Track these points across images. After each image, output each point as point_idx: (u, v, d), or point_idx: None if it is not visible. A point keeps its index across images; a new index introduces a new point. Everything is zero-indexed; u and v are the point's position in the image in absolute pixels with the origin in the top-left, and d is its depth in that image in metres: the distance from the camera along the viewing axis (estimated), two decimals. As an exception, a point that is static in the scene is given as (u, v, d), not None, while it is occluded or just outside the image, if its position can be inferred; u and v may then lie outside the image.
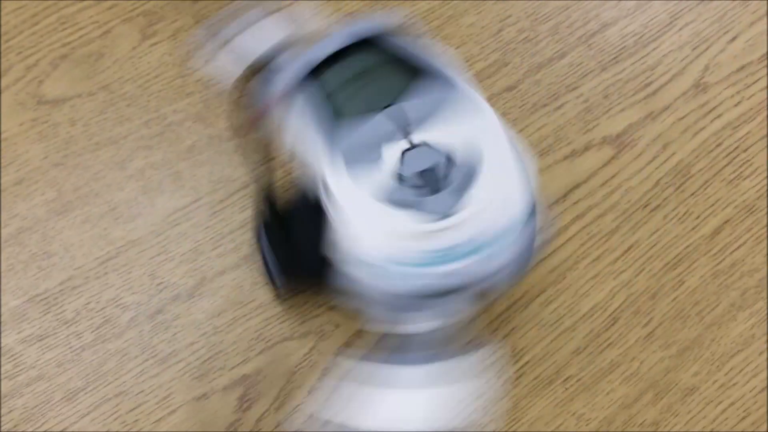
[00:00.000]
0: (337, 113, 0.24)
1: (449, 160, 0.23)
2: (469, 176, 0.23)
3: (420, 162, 0.23)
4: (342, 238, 0.24)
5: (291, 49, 0.27)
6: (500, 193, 0.23)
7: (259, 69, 0.27)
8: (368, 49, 0.25)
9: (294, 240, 0.27)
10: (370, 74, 0.25)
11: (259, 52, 0.28)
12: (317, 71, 0.24)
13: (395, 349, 0.25)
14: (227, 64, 0.28)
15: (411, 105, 0.23)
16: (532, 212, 0.25)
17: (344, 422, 0.24)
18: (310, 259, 0.26)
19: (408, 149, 0.23)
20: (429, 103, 0.23)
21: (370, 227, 0.23)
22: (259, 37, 0.28)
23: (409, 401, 0.24)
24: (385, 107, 0.23)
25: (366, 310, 0.27)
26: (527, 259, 0.25)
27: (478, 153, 0.23)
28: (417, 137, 0.23)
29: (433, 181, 0.22)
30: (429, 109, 0.23)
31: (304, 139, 0.25)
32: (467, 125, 0.23)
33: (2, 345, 0.28)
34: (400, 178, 0.22)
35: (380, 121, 0.23)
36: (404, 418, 0.24)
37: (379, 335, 0.27)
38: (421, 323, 0.25)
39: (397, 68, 0.25)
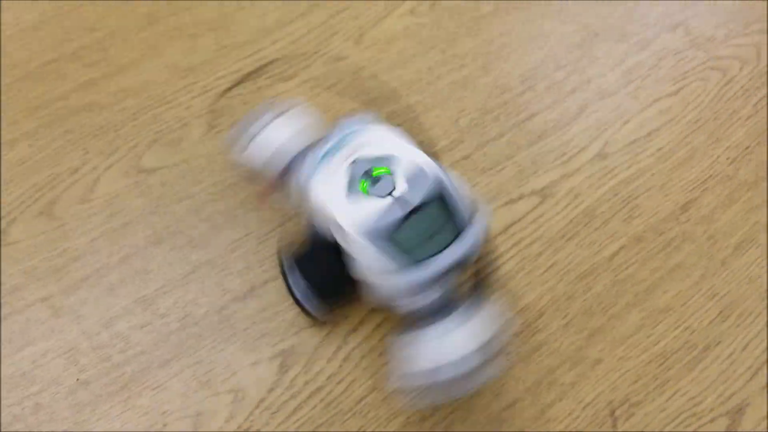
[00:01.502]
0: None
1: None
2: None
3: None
4: (365, 271, 0.35)
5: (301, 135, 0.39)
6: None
7: (275, 157, 0.39)
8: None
9: (318, 272, 0.40)
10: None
11: (273, 145, 0.39)
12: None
13: (414, 318, 0.37)
14: (252, 155, 0.40)
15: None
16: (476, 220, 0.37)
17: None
18: (336, 282, 0.39)
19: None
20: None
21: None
22: (273, 133, 0.39)
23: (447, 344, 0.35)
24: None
25: (387, 302, 0.39)
26: (477, 248, 0.37)
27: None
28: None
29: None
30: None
31: (314, 197, 0.36)
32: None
33: (117, 331, 0.41)
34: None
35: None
36: (444, 352, 0.34)
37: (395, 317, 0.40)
38: (426, 298, 0.36)
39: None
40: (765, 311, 0.46)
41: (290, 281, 0.40)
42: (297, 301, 0.40)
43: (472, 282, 0.40)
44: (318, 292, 0.40)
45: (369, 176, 0.35)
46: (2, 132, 0.46)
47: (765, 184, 0.51)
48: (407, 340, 0.36)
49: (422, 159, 0.35)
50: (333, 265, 0.37)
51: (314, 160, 0.36)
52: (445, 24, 0.55)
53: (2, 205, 0.44)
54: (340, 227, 0.34)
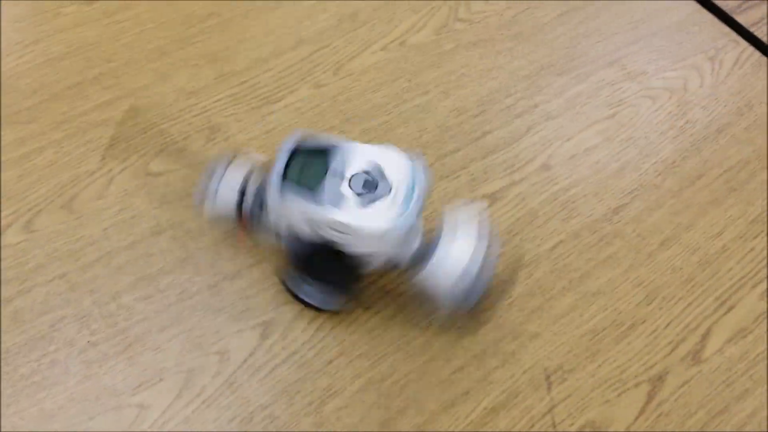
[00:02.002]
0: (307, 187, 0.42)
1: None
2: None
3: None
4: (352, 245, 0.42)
5: (253, 176, 0.45)
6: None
7: (238, 200, 0.45)
8: (298, 153, 0.42)
9: (325, 275, 0.46)
10: (308, 164, 0.42)
11: (234, 190, 0.45)
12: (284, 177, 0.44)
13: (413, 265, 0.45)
14: (219, 205, 0.46)
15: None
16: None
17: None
18: (344, 275, 0.46)
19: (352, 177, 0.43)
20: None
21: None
22: (230, 180, 0.45)
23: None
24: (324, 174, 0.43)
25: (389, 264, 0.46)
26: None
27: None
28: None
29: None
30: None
31: (287, 213, 0.42)
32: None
33: (123, 302, 0.49)
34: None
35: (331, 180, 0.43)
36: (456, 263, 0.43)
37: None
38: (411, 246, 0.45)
39: (317, 156, 0.42)
40: (685, 295, 0.53)
41: (301, 293, 0.47)
42: (318, 309, 0.48)
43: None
44: (333, 289, 0.47)
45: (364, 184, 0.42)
46: (33, 141, 0.55)
47: (688, 192, 0.59)
48: (422, 278, 0.44)
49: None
50: (332, 263, 0.44)
51: (275, 184, 0.41)
52: (412, 58, 0.64)
53: (31, 199, 0.52)
54: (357, 231, 0.41)
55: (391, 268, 0.47)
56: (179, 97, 0.59)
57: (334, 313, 0.49)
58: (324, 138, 0.43)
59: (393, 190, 0.41)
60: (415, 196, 0.41)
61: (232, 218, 0.46)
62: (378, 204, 0.41)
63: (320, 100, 0.60)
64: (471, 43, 0.66)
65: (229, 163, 0.47)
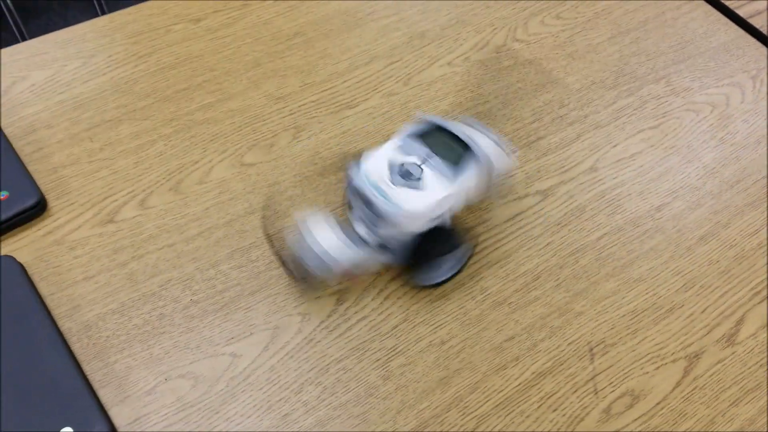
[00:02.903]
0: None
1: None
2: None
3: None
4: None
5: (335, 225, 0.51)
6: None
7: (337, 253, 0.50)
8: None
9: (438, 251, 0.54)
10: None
11: (328, 250, 0.49)
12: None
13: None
14: (317, 268, 0.50)
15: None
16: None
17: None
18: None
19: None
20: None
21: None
22: (320, 241, 0.50)
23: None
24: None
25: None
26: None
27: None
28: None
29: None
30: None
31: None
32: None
33: (220, 269, 0.57)
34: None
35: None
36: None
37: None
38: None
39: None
40: (722, 285, 0.58)
41: (438, 280, 0.55)
42: (453, 276, 0.56)
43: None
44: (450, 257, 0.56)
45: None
46: (146, 135, 0.64)
47: (726, 194, 0.64)
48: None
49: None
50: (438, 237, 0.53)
51: (381, 201, 0.48)
52: (474, 72, 0.71)
53: (144, 182, 0.61)
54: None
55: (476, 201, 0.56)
56: (269, 101, 0.67)
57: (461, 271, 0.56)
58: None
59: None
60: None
61: (335, 273, 0.51)
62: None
63: (391, 106, 0.68)
64: (527, 60, 0.73)
65: (308, 228, 0.51)
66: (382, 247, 0.52)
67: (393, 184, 0.49)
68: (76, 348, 0.52)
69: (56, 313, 0.53)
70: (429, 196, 0.49)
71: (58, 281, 0.55)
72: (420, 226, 0.51)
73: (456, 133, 0.51)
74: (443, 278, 0.55)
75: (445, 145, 0.51)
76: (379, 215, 0.49)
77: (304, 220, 0.52)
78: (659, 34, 0.77)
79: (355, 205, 0.51)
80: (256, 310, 0.55)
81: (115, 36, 0.73)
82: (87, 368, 0.51)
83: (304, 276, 0.52)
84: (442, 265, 0.55)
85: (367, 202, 0.49)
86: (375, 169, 0.49)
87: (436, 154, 0.50)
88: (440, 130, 0.51)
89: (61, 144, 0.63)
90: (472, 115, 0.68)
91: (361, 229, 0.52)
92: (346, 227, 0.52)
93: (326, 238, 0.50)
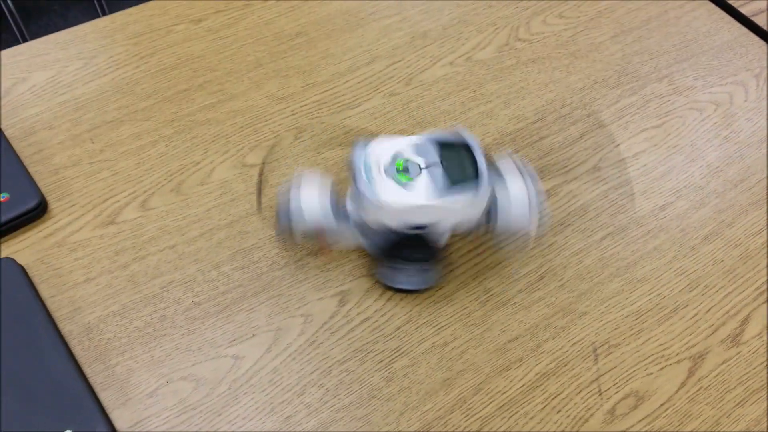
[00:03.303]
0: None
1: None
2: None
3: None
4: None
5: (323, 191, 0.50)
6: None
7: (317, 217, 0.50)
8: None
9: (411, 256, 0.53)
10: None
11: (309, 208, 0.50)
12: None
13: None
14: (297, 224, 0.50)
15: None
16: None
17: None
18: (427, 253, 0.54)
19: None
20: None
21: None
22: (306, 199, 0.50)
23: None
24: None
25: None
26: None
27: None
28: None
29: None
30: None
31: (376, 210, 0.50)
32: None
33: (222, 271, 0.56)
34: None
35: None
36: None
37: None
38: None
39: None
40: (726, 285, 0.58)
41: (399, 285, 0.55)
42: (416, 291, 0.55)
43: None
44: (423, 266, 0.55)
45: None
46: (148, 135, 0.64)
47: (731, 194, 0.63)
48: (498, 226, 0.52)
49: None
50: (418, 244, 0.52)
51: (364, 181, 0.47)
52: (477, 72, 0.71)
53: (146, 183, 0.61)
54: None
55: (465, 233, 0.53)
56: (271, 102, 0.67)
57: (428, 291, 0.56)
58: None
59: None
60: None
61: (312, 235, 0.51)
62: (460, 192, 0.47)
63: (393, 106, 0.68)
64: (530, 60, 0.73)
65: (299, 182, 0.51)
66: (360, 228, 0.52)
67: (385, 174, 0.48)
68: (77, 350, 0.52)
69: (57, 315, 0.53)
70: (408, 197, 0.47)
71: (59, 283, 0.55)
72: (391, 221, 0.49)
73: (476, 157, 0.49)
74: (401, 286, 0.55)
75: (459, 163, 0.48)
76: (358, 194, 0.48)
77: (301, 174, 0.52)
78: (662, 33, 0.77)
79: (349, 179, 0.50)
80: (258, 312, 0.54)
81: (116, 37, 0.72)
82: (88, 371, 0.51)
83: (282, 229, 0.52)
84: (408, 273, 0.54)
85: (354, 179, 0.48)
86: (378, 153, 0.49)
87: (444, 166, 0.48)
88: (465, 148, 0.49)
89: (62, 145, 0.63)
90: (473, 115, 0.67)
91: (349, 205, 0.52)
92: (338, 197, 0.51)
93: (308, 196, 0.50)
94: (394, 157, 0.48)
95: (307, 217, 0.50)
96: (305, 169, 0.53)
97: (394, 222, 0.49)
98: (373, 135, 0.55)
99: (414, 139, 0.49)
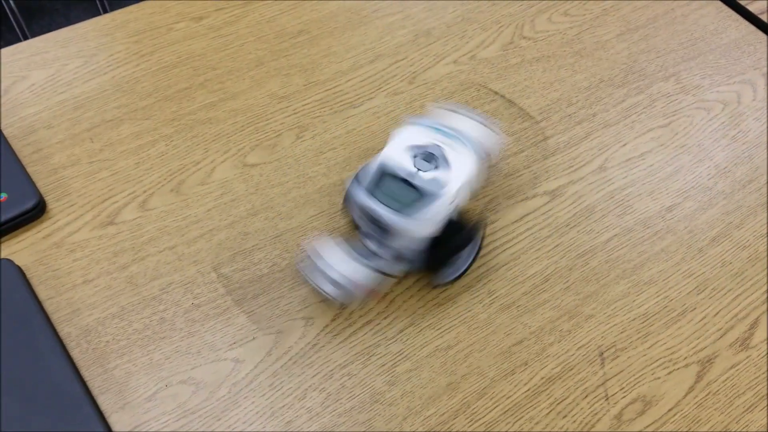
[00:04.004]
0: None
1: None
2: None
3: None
4: None
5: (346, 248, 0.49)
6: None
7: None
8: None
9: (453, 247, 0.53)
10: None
11: (344, 274, 0.49)
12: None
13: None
14: (337, 291, 0.49)
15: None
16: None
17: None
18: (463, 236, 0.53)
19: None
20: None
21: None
22: (336, 267, 0.49)
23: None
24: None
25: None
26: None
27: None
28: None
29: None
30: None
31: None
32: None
33: (222, 272, 0.56)
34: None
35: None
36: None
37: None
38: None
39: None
40: (735, 287, 0.57)
41: (457, 275, 0.54)
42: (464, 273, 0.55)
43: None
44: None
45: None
46: (148, 135, 0.63)
47: (739, 195, 0.62)
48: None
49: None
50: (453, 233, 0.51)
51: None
52: (481, 71, 0.70)
53: (145, 183, 0.60)
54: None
55: None
56: (272, 101, 0.66)
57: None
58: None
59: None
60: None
61: (357, 294, 0.50)
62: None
63: (396, 105, 0.67)
64: (535, 58, 0.72)
65: (319, 252, 0.50)
66: (398, 257, 0.51)
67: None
68: (75, 353, 0.51)
69: (55, 317, 0.52)
70: (438, 204, 0.48)
71: (57, 285, 0.54)
72: (435, 229, 0.49)
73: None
74: (465, 268, 0.54)
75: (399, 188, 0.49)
76: (388, 229, 0.48)
77: (314, 247, 0.51)
78: (669, 31, 0.76)
79: (361, 222, 0.50)
80: (258, 314, 0.53)
81: (117, 35, 0.72)
82: (86, 374, 0.50)
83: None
84: (461, 256, 0.54)
85: (374, 219, 0.48)
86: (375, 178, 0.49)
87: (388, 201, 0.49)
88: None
89: (62, 144, 0.62)
90: (479, 114, 0.66)
91: (372, 245, 0.51)
92: (356, 244, 0.51)
93: (340, 261, 0.49)
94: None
95: (356, 279, 0.49)
96: (314, 241, 0.52)
97: (437, 227, 0.50)
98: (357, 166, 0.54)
99: (387, 151, 0.49)
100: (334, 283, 0.49)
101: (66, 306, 0.53)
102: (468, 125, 0.53)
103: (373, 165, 0.49)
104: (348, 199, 0.51)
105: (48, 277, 0.54)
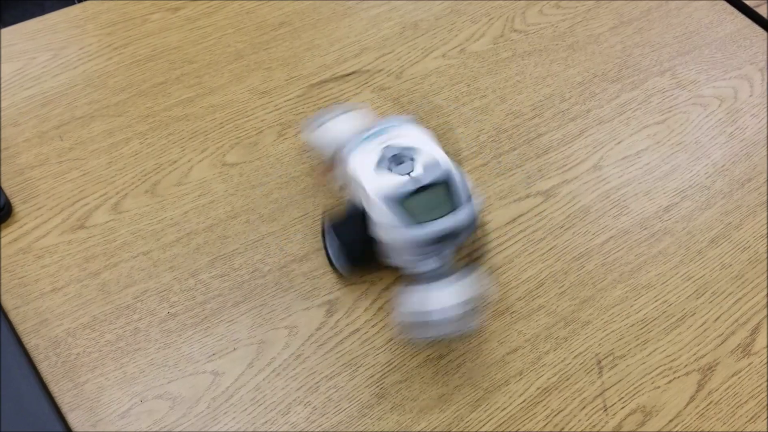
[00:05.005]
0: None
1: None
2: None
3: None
4: (379, 228, 0.46)
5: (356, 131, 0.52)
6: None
7: (336, 146, 0.50)
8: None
9: (349, 234, 0.50)
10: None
11: (336, 135, 0.50)
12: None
13: (420, 279, 0.47)
14: (317, 138, 0.52)
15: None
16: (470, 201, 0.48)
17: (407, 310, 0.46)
18: (362, 245, 0.50)
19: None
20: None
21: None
22: (338, 126, 0.51)
23: (438, 296, 0.45)
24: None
25: (398, 262, 0.49)
26: (470, 224, 0.47)
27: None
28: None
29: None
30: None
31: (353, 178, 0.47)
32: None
33: (200, 279, 0.53)
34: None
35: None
36: (440, 303, 0.45)
37: (407, 276, 0.51)
38: (427, 265, 0.48)
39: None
40: (735, 291, 0.55)
41: (326, 241, 0.51)
42: (329, 258, 0.51)
43: (465, 262, 0.51)
44: (347, 251, 0.50)
45: (394, 158, 0.46)
46: (121, 132, 0.60)
47: (737, 194, 0.60)
48: (406, 292, 0.46)
49: (439, 154, 0.46)
50: (362, 230, 0.47)
51: (355, 140, 0.48)
52: (471, 65, 0.67)
53: (118, 184, 0.57)
54: (365, 191, 0.45)
55: (402, 265, 0.49)
56: (253, 96, 0.63)
57: (338, 274, 0.53)
58: (418, 137, 0.48)
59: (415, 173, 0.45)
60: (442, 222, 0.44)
61: (322, 155, 0.51)
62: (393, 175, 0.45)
63: (383, 101, 0.64)
64: (526, 52, 0.69)
65: (349, 110, 0.52)
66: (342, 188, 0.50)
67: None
68: (43, 367, 0.48)
69: (21, 328, 0.49)
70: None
71: (24, 293, 0.51)
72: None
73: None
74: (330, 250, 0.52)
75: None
76: (456, 234, 0.45)
77: (350, 107, 0.52)
78: (663, 24, 0.73)
79: (407, 256, 0.47)
80: (239, 324, 0.51)
81: (88, 26, 0.68)
82: (55, 389, 0.47)
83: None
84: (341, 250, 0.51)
85: (437, 240, 0.45)
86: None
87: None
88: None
89: (29, 143, 0.59)
90: (468, 111, 0.64)
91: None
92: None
93: (343, 125, 0.51)
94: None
95: (329, 137, 0.51)
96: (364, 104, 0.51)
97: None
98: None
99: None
100: (321, 128, 0.52)
101: (33, 316, 0.50)
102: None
103: (365, 208, 0.46)
104: (388, 250, 0.48)
105: (14, 285, 0.51)
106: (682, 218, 0.58)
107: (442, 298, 0.45)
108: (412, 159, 0.46)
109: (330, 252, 0.51)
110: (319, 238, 0.55)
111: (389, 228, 0.45)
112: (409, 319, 0.46)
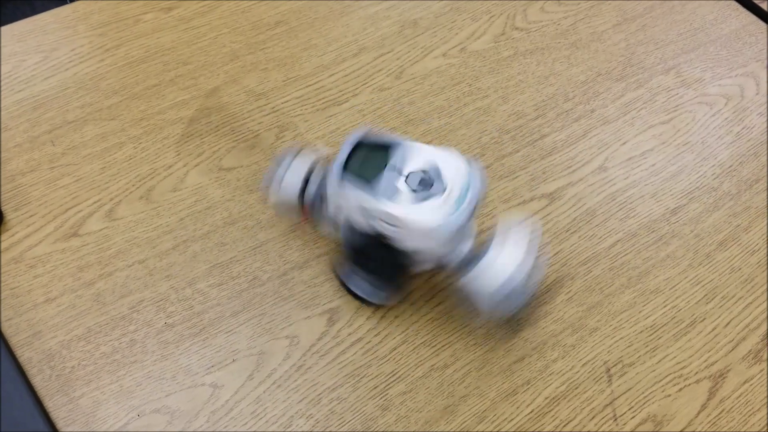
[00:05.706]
0: (365, 179, 0.42)
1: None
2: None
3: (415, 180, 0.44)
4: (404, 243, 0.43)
5: (317, 168, 0.47)
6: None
7: (302, 189, 0.46)
8: (360, 147, 0.43)
9: (374, 266, 0.47)
10: (369, 158, 0.43)
11: (298, 179, 0.46)
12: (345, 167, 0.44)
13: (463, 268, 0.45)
14: (283, 194, 0.47)
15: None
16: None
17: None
18: (390, 271, 0.48)
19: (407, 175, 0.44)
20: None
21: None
22: (296, 169, 0.47)
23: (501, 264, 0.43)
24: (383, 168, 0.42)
25: (437, 263, 0.47)
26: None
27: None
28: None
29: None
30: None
31: (344, 203, 0.44)
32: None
33: (198, 288, 0.51)
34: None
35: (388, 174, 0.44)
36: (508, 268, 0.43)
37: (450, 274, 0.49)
38: (465, 248, 0.46)
39: (378, 151, 0.43)
40: (745, 295, 0.54)
41: (350, 285, 0.49)
42: (361, 299, 0.50)
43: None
44: (383, 280, 0.48)
45: (422, 183, 0.42)
46: (114, 137, 0.58)
47: (746, 195, 0.59)
48: (466, 281, 0.45)
49: (453, 160, 0.43)
50: (381, 255, 0.45)
51: (335, 172, 0.43)
52: (472, 64, 0.66)
53: (112, 190, 0.55)
54: (394, 217, 0.42)
55: (439, 268, 0.48)
56: (249, 98, 0.62)
57: (379, 306, 0.51)
58: (387, 136, 0.44)
59: (447, 191, 0.42)
60: (467, 198, 0.42)
61: (295, 206, 0.48)
62: (431, 201, 0.42)
63: (382, 102, 0.62)
64: (528, 50, 0.68)
65: (297, 153, 0.48)
66: (336, 217, 0.47)
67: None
68: (37, 381, 0.46)
69: (14, 341, 0.48)
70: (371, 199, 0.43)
71: (16, 304, 0.49)
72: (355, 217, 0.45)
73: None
74: (350, 287, 0.50)
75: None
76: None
77: (300, 148, 0.48)
78: (667, 21, 0.72)
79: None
80: (238, 334, 0.49)
81: (79, 27, 0.66)
82: (49, 404, 0.45)
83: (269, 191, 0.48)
84: (363, 280, 0.50)
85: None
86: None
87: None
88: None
89: (20, 148, 0.57)
90: (469, 111, 0.62)
91: (330, 188, 0.45)
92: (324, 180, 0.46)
93: (298, 169, 0.47)
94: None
95: (293, 187, 0.47)
96: (305, 145, 0.48)
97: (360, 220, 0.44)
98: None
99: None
100: (282, 181, 0.47)
101: (26, 328, 0.48)
102: (447, 159, 0.45)
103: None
104: (421, 257, 0.46)
105: (6, 296, 0.50)
106: (690, 220, 0.57)
107: (506, 264, 0.44)
108: (438, 175, 0.43)
109: (361, 293, 0.49)
110: (320, 244, 0.53)
111: (439, 242, 0.43)
112: (493, 300, 0.44)
